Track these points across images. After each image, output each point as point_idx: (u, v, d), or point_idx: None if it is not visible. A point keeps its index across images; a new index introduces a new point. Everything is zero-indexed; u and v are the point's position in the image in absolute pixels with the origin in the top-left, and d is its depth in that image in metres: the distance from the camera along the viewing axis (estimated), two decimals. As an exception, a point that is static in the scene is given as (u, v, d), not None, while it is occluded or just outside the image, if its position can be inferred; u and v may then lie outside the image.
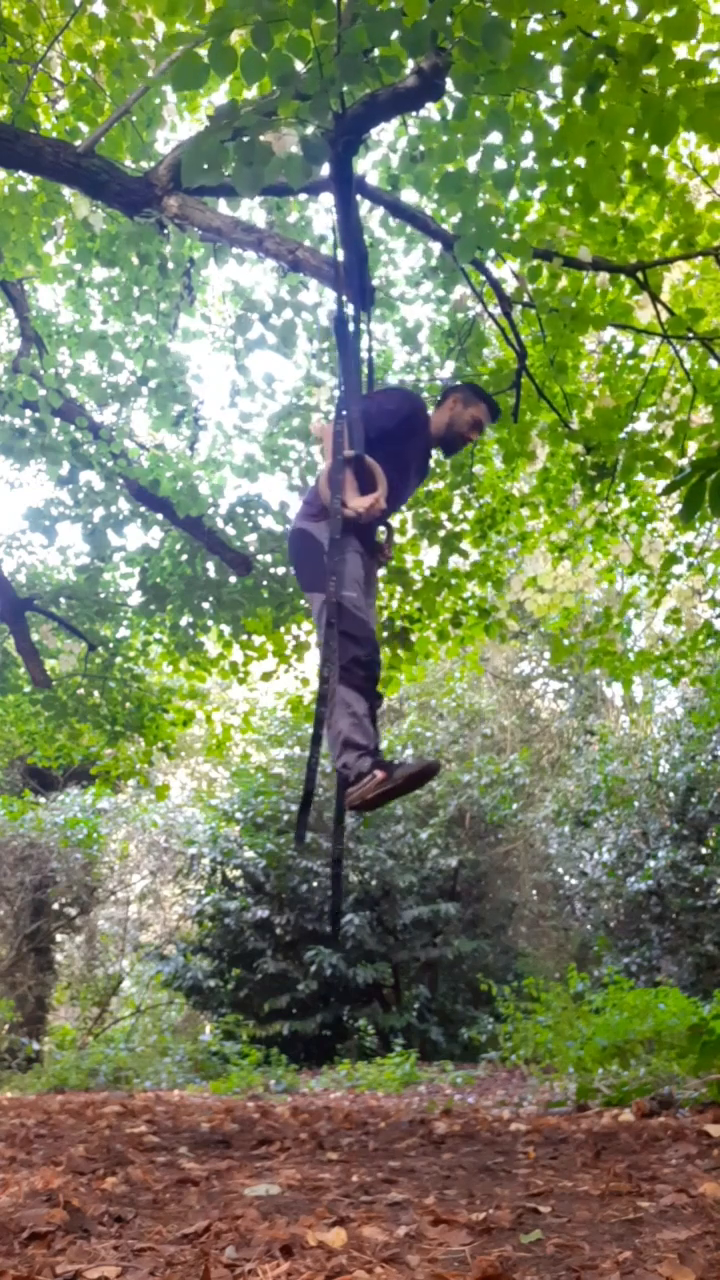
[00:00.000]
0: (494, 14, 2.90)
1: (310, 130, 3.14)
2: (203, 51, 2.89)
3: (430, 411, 3.79)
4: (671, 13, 3.36)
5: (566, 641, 7.25)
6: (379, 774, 3.02)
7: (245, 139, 2.96)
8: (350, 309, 3.75)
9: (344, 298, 3.69)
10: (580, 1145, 3.31)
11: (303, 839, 3.50)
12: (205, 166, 3.00)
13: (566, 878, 12.89)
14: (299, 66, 2.95)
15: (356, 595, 3.26)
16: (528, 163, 4.18)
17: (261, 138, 2.98)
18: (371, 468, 3.39)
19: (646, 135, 3.49)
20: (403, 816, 11.77)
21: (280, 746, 12.61)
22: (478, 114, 3.85)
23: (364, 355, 3.83)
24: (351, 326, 3.71)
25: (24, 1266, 1.69)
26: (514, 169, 4.02)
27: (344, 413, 3.42)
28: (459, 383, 3.89)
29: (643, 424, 5.96)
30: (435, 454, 3.90)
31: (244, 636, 7.03)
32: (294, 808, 11.71)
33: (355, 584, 3.27)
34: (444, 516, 6.37)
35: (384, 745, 12.35)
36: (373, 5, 2.90)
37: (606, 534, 6.76)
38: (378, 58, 3.16)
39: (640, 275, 4.85)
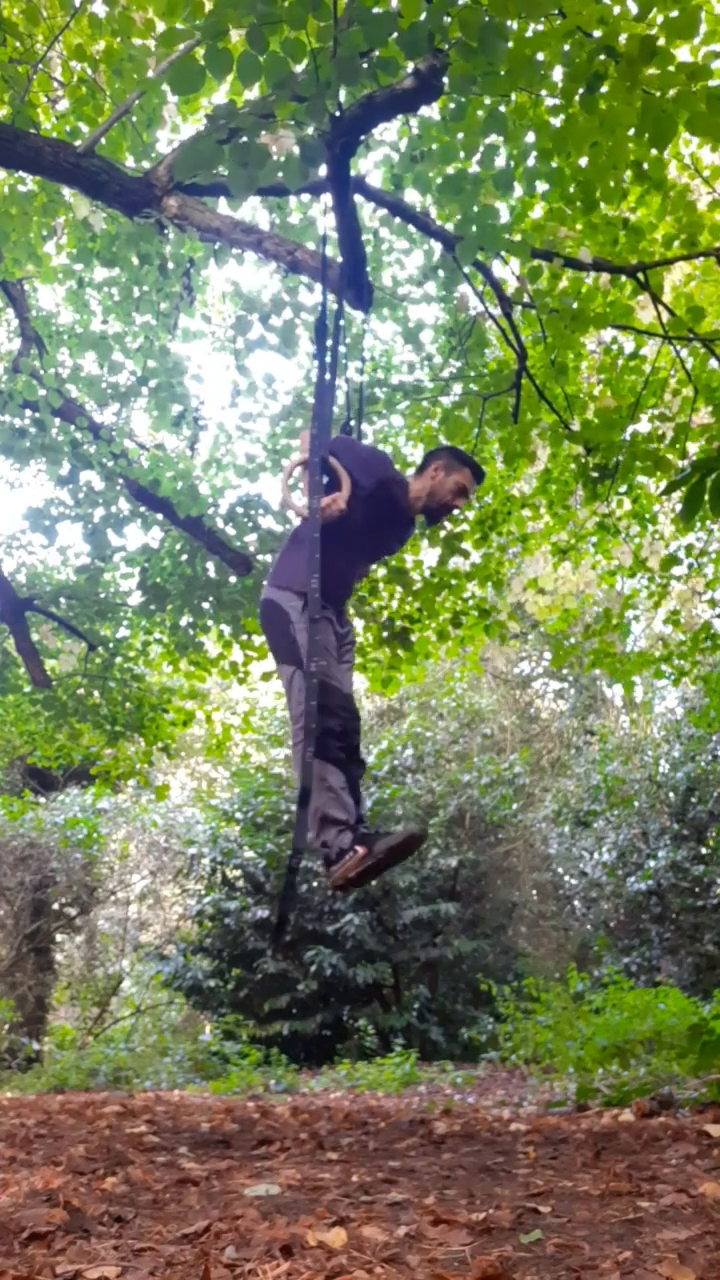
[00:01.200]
0: (490, 16, 2.90)
1: (308, 132, 3.14)
2: (200, 52, 2.89)
3: (409, 476, 3.68)
4: (674, 14, 3.36)
5: (567, 643, 7.26)
6: (360, 850, 3.00)
7: (242, 140, 2.96)
8: (334, 313, 3.76)
9: (327, 304, 3.70)
10: (580, 1145, 3.31)
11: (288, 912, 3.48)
12: (199, 165, 3.01)
13: (566, 878, 12.89)
14: (296, 68, 2.95)
15: (328, 664, 3.22)
16: (529, 163, 4.18)
17: (259, 139, 2.98)
18: (335, 469, 3.41)
19: (646, 136, 3.49)
20: (403, 816, 11.77)
21: (280, 746, 12.61)
22: (479, 114, 3.85)
23: (363, 356, 3.84)
24: (336, 329, 3.71)
25: (24, 1266, 1.69)
26: (515, 169, 4.02)
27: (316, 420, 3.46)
28: (440, 448, 3.75)
29: (644, 425, 5.96)
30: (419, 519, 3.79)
31: (244, 636, 7.03)
32: (294, 807, 11.69)
33: (325, 651, 3.23)
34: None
35: (384, 745, 12.38)
36: (369, 7, 2.89)
37: (608, 535, 6.76)
38: (375, 59, 3.16)
39: (641, 276, 4.85)
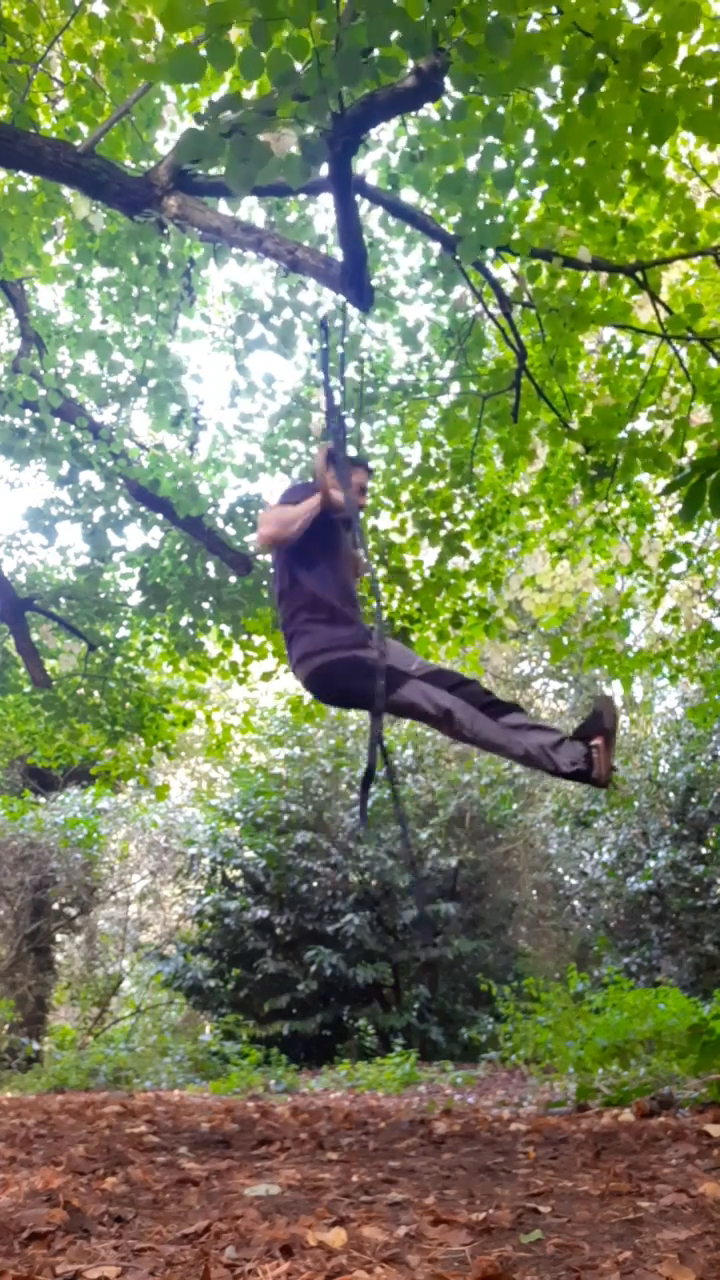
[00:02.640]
0: (495, 13, 2.90)
1: (309, 130, 3.13)
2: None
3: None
4: (673, 12, 3.36)
5: (566, 641, 7.26)
6: (595, 742, 3.16)
7: (243, 135, 2.96)
8: (338, 320, 3.77)
9: (328, 318, 3.72)
10: (580, 1145, 3.31)
11: (365, 818, 3.52)
12: (199, 152, 3.00)
13: (566, 878, 12.89)
14: (298, 66, 2.95)
15: (420, 660, 3.37)
16: (528, 162, 4.18)
17: (260, 138, 2.98)
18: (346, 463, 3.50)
19: (645, 135, 3.49)
20: (403, 817, 11.76)
21: (280, 746, 12.61)
22: (477, 114, 3.85)
23: (361, 357, 3.84)
24: (340, 332, 3.72)
25: (24, 1266, 1.69)
26: (514, 168, 4.02)
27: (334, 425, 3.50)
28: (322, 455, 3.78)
29: (642, 423, 5.96)
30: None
31: (244, 636, 7.03)
32: (294, 807, 11.72)
33: (410, 656, 3.37)
34: (444, 516, 6.37)
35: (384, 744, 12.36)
36: (372, 4, 2.89)
37: (606, 534, 6.76)
38: (376, 58, 3.16)
39: (639, 275, 4.85)
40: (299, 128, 3.13)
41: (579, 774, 3.18)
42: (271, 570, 3.51)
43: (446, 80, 3.30)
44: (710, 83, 3.38)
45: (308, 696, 7.69)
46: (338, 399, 3.65)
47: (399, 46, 2.94)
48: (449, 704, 3.24)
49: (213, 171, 4.27)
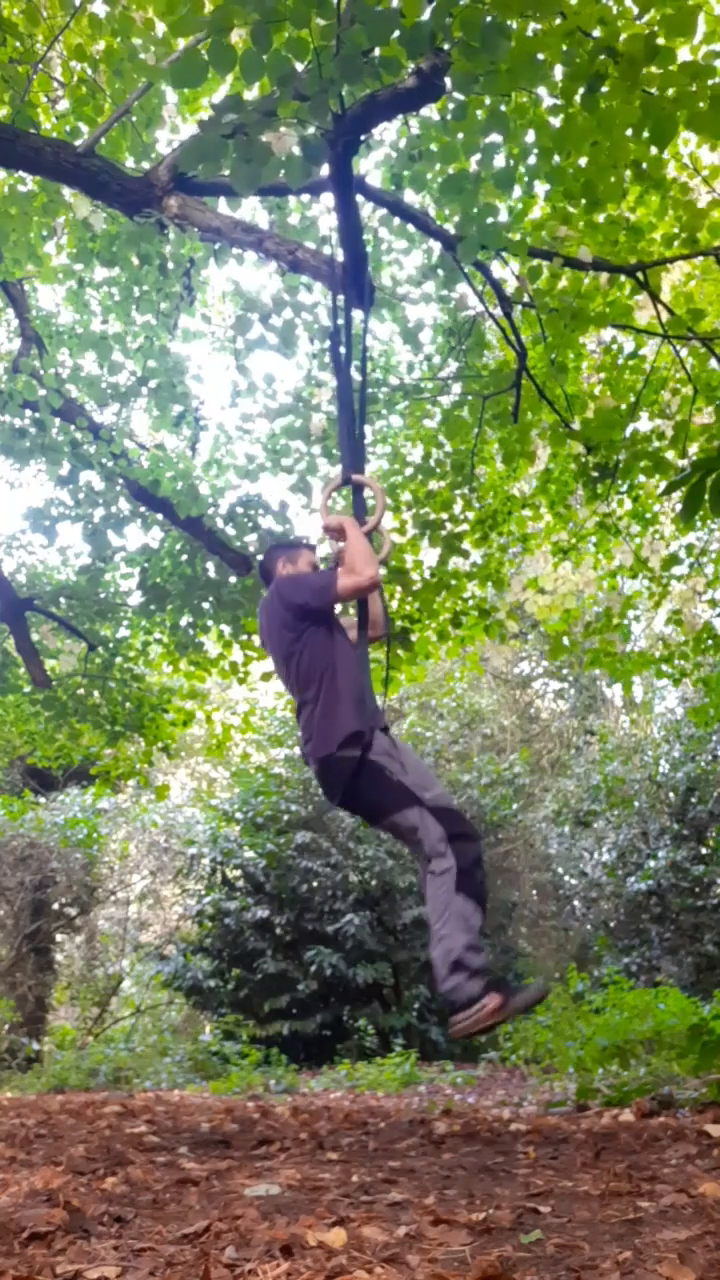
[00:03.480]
0: (491, 15, 2.90)
1: (310, 131, 3.14)
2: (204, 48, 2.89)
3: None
4: (673, 13, 3.36)
5: (566, 641, 7.25)
6: (492, 1002, 2.89)
7: (245, 136, 2.96)
8: (337, 315, 3.78)
9: (339, 325, 3.73)
10: (580, 1145, 3.31)
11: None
12: (203, 158, 3.00)
13: (566, 878, 12.89)
14: (298, 67, 2.95)
15: (437, 788, 3.19)
16: (529, 162, 4.18)
17: (262, 138, 2.98)
18: (367, 484, 3.55)
19: (646, 136, 3.49)
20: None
21: (280, 746, 12.61)
22: (478, 114, 3.85)
23: (364, 356, 3.85)
24: (349, 334, 3.73)
25: (24, 1266, 1.69)
26: (515, 168, 4.02)
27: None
28: (271, 549, 3.73)
29: (644, 424, 5.96)
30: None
31: (244, 636, 7.03)
32: (294, 807, 11.72)
33: (424, 772, 3.21)
34: (445, 517, 6.37)
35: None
36: (372, 6, 2.89)
37: (608, 535, 6.76)
38: (377, 58, 3.16)
39: (641, 275, 4.85)
40: (300, 128, 3.13)
41: (450, 1004, 2.98)
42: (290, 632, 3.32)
43: (447, 80, 3.31)
44: (711, 82, 3.39)
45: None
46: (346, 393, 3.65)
47: (398, 46, 2.94)
48: (433, 850, 3.07)
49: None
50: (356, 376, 3.81)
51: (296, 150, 3.11)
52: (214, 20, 2.79)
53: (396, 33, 2.88)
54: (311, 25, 2.86)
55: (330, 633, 3.33)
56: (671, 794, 11.37)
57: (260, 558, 3.79)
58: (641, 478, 6.18)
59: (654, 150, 3.89)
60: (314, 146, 3.07)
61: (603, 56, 3.33)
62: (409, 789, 3.12)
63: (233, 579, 6.67)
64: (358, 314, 3.89)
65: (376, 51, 3.19)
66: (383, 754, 3.17)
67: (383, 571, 6.44)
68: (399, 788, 3.12)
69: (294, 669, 3.32)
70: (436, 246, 5.29)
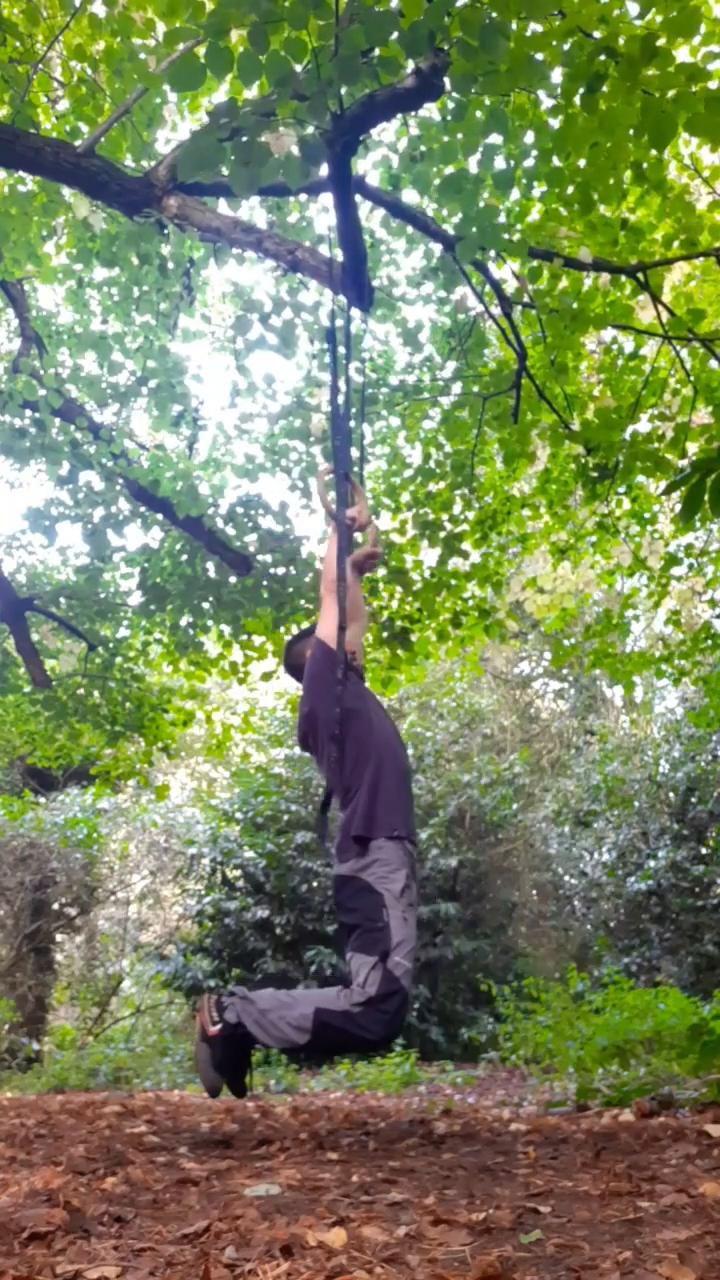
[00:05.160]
0: (492, 15, 2.90)
1: (309, 131, 3.14)
2: (201, 50, 2.89)
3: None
4: (674, 14, 3.36)
5: (567, 643, 7.26)
6: (214, 1028, 2.99)
7: (243, 139, 2.96)
8: (337, 316, 3.78)
9: (334, 327, 3.73)
10: (580, 1145, 3.31)
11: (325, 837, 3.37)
12: (201, 164, 3.00)
13: (566, 878, 12.89)
14: (297, 67, 2.95)
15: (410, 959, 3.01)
16: (529, 163, 4.18)
17: (260, 138, 2.98)
18: (354, 486, 3.53)
19: (645, 137, 3.49)
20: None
21: (280, 746, 12.61)
22: (478, 114, 3.85)
23: (363, 357, 3.85)
24: (348, 334, 3.73)
25: (24, 1266, 1.69)
26: (515, 169, 4.02)
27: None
28: (293, 638, 3.66)
29: (644, 425, 5.96)
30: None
31: (244, 636, 7.03)
32: (294, 807, 11.72)
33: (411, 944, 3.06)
34: (445, 517, 6.37)
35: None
36: (370, 6, 2.89)
37: (607, 535, 6.76)
38: (376, 58, 3.16)
39: (641, 276, 4.85)
40: (299, 128, 3.13)
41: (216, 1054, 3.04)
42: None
43: (446, 80, 3.31)
44: (713, 85, 3.38)
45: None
46: (342, 398, 3.67)
47: (397, 46, 2.94)
48: (353, 991, 2.98)
49: (213, 172, 4.27)
50: (357, 378, 3.82)
51: (295, 150, 3.11)
52: (210, 25, 2.79)
53: (395, 33, 2.87)
54: (310, 26, 2.86)
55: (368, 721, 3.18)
56: (671, 794, 11.37)
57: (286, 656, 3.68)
58: (641, 478, 6.18)
59: (654, 152, 3.89)
60: (312, 147, 3.07)
61: (602, 57, 3.33)
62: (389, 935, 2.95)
63: (233, 579, 6.68)
64: (357, 314, 3.89)
65: (375, 51, 3.19)
66: (389, 889, 2.99)
67: (379, 571, 6.47)
68: (384, 929, 2.95)
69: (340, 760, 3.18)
70: (436, 247, 5.29)
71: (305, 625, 3.70)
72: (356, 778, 3.09)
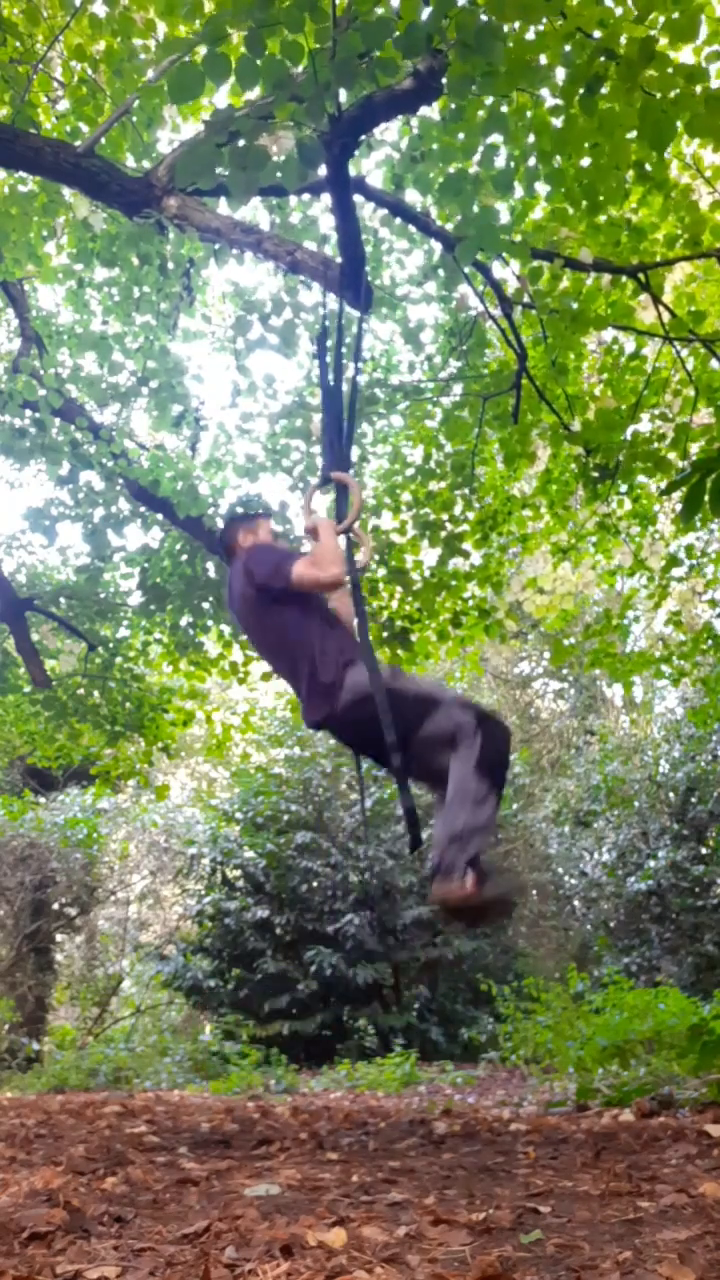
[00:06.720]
0: (487, 18, 2.90)
1: (307, 132, 3.13)
2: (201, 50, 2.89)
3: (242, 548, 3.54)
4: (675, 15, 3.36)
5: (567, 642, 7.26)
6: (470, 881, 2.87)
7: (240, 143, 2.96)
8: (335, 317, 3.78)
9: (326, 330, 3.72)
10: (580, 1145, 3.31)
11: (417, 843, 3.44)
12: (199, 171, 3.00)
13: (566, 878, 12.89)
14: (294, 70, 2.95)
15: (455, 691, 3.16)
16: (529, 163, 4.18)
17: (259, 141, 2.98)
18: (345, 482, 3.49)
19: (645, 138, 3.49)
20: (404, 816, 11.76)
21: (280, 746, 12.60)
22: (479, 115, 3.85)
23: (362, 357, 3.85)
24: (339, 335, 3.72)
25: (24, 1266, 1.69)
26: (515, 170, 4.02)
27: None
28: (228, 521, 3.66)
29: (644, 425, 5.96)
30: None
31: (244, 636, 7.03)
32: (294, 807, 11.72)
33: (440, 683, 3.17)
34: (445, 518, 6.36)
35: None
36: (367, 9, 2.89)
37: (608, 535, 6.76)
38: (374, 60, 3.16)
39: (642, 276, 4.85)
40: (297, 130, 3.13)
41: (434, 867, 2.97)
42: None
43: (444, 82, 3.31)
44: (713, 86, 3.39)
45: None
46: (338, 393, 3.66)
47: (394, 48, 2.94)
48: (464, 735, 3.06)
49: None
50: (348, 384, 3.80)
51: (293, 152, 3.11)
52: (208, 32, 2.79)
53: (392, 35, 2.87)
54: (307, 29, 2.86)
55: (303, 611, 3.25)
56: (671, 794, 11.37)
57: (220, 529, 3.72)
58: (642, 478, 6.18)
59: (654, 152, 3.89)
60: (310, 149, 3.07)
61: (602, 59, 3.33)
62: (428, 694, 3.11)
63: (233, 579, 6.67)
64: (356, 315, 3.89)
65: (373, 53, 3.19)
66: (387, 679, 3.13)
67: (379, 571, 6.48)
68: (416, 699, 3.09)
69: (262, 640, 3.38)
70: (437, 247, 5.29)
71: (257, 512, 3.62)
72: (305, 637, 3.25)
